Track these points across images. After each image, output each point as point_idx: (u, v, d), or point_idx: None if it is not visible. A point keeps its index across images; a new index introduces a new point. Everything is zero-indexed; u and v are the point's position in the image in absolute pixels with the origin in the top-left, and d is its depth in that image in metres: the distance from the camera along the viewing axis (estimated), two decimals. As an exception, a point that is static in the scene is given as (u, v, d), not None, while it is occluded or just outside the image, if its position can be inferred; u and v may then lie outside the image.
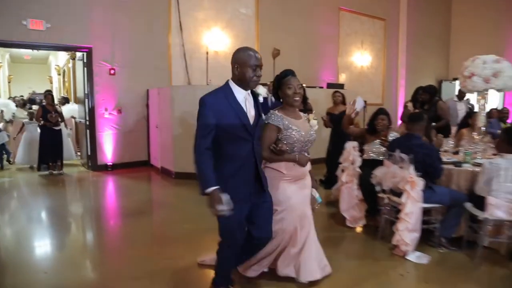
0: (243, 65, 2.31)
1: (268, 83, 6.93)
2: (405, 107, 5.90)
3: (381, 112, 4.34)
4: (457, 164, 3.74)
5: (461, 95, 7.96)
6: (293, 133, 2.72)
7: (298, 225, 2.81)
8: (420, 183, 3.32)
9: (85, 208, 5.37)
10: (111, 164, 7.51)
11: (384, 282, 3.02)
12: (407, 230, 3.33)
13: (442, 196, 3.47)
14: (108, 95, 7.49)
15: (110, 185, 6.67)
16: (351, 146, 4.32)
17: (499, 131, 5.76)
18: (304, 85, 2.89)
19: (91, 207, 5.44)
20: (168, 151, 6.95)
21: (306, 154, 2.85)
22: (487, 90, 3.94)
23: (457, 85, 14.42)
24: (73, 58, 9.14)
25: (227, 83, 2.40)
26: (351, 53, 10.96)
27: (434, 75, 13.57)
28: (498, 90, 4.07)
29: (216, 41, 8.44)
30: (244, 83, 2.35)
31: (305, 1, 9.78)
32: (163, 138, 7.17)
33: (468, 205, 3.37)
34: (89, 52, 7.27)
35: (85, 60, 7.37)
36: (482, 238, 3.20)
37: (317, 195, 3.02)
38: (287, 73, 2.79)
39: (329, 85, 8.34)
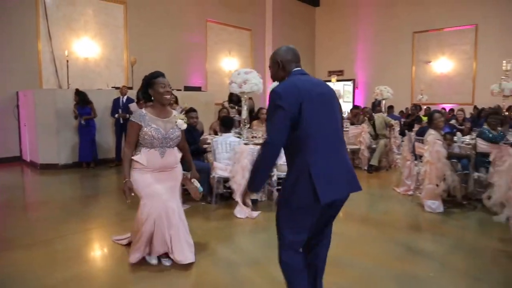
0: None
1: (121, 86, 8.24)
2: (222, 105, 7.58)
3: None
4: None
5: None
6: (151, 130, 2.97)
7: (163, 212, 3.03)
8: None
9: None
10: (-20, 160, 8.27)
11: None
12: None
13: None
14: (-25, 97, 8.23)
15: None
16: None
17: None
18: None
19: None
20: (34, 146, 7.94)
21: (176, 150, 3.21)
22: (242, 92, 5.65)
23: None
24: None
25: None
26: (219, 59, 12.62)
27: (301, 78, 15.77)
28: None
29: (86, 49, 9.53)
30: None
31: (172, 13, 11.18)
32: (30, 134, 8.13)
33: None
34: (-46, 56, 7.98)
35: (-50, 64, 8.05)
36: (215, 191, 4.88)
37: (198, 185, 3.41)
38: (159, 74, 3.05)
39: (186, 88, 9.74)
